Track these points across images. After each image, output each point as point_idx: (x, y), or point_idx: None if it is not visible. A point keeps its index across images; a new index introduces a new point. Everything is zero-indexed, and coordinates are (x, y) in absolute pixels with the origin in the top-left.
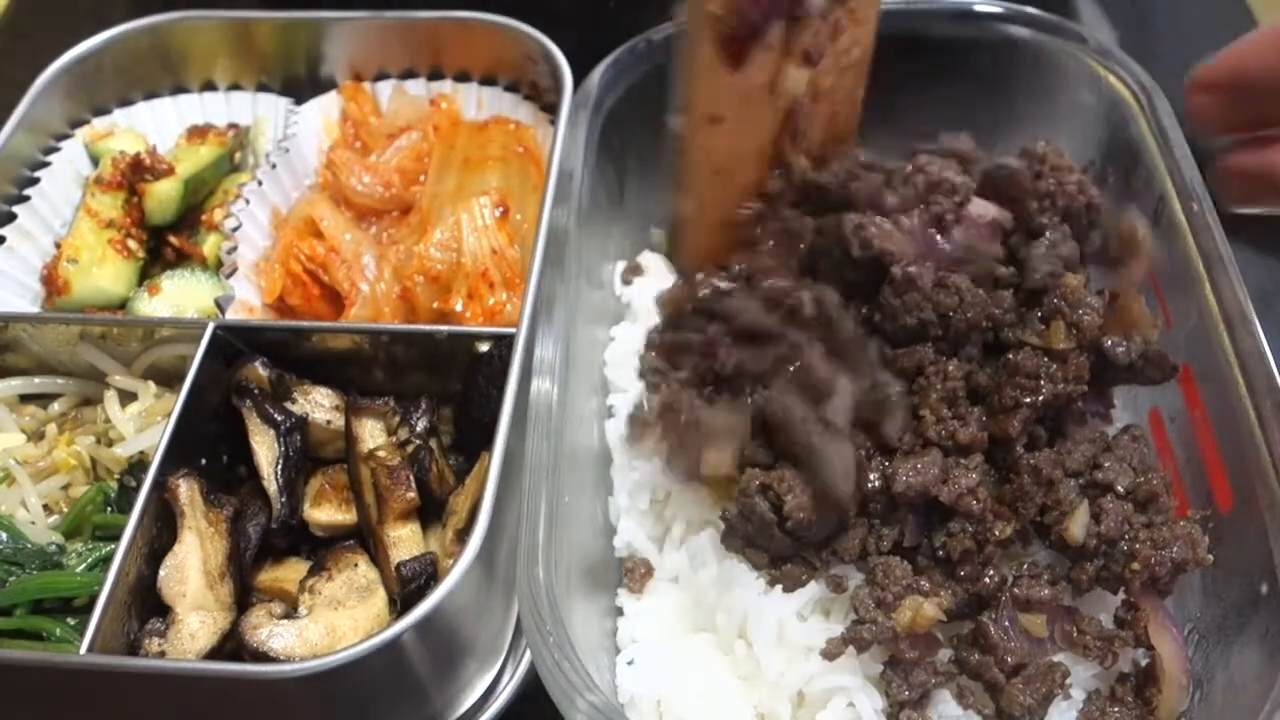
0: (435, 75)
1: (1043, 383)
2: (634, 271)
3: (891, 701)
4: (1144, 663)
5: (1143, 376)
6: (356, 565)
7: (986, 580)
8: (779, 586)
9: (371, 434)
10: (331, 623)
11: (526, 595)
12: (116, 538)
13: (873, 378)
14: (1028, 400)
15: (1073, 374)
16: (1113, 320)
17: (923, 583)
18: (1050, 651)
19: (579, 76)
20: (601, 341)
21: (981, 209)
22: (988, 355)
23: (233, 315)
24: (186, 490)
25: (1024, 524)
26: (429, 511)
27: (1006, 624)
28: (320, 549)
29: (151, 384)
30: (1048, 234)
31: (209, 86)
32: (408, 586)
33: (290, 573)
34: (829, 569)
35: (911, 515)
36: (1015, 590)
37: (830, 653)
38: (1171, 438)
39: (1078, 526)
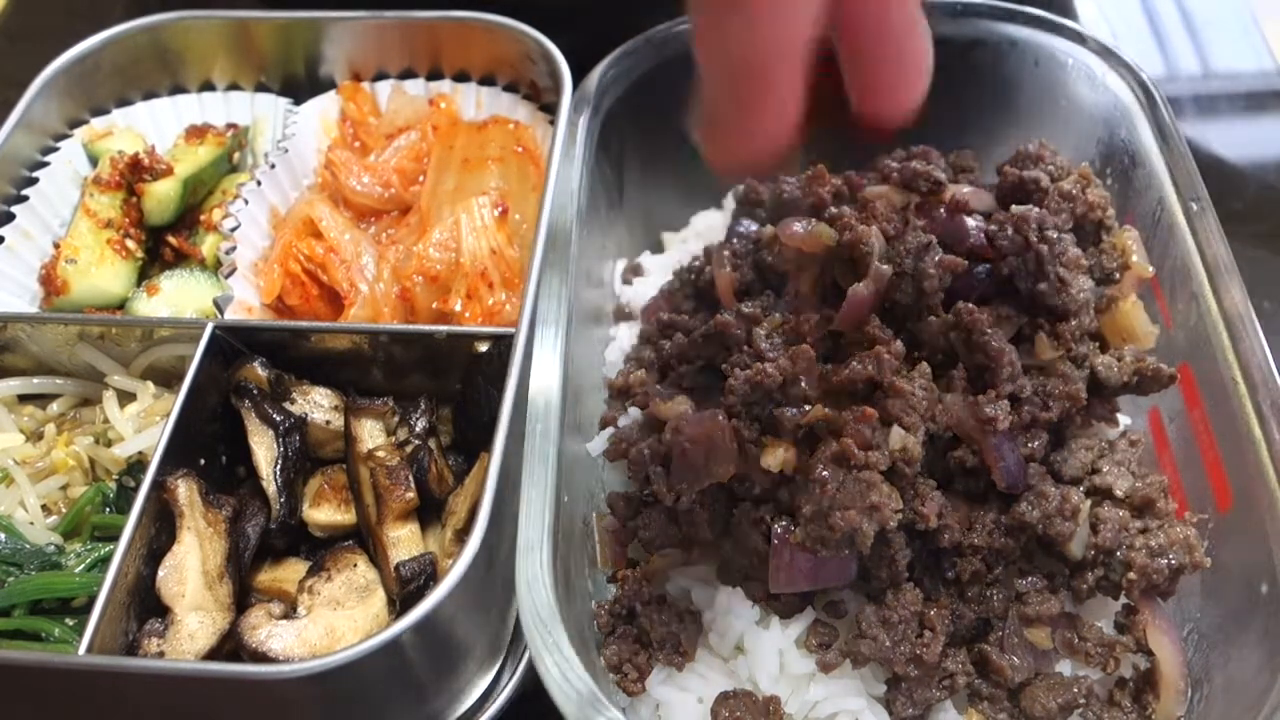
0: (434, 75)
1: (1041, 411)
2: (634, 271)
3: (896, 718)
4: (1144, 667)
5: (1138, 390)
6: (355, 565)
7: (994, 600)
8: (776, 617)
9: (370, 434)
10: (330, 623)
11: (526, 595)
12: (115, 538)
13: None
14: (1035, 444)
15: (1071, 391)
16: (1108, 325)
17: (930, 606)
18: (1054, 661)
19: (578, 76)
20: (601, 341)
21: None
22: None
23: (231, 315)
24: (185, 490)
25: (1028, 539)
26: (428, 511)
27: (1014, 639)
28: (319, 549)
29: (150, 384)
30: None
31: (207, 86)
32: (407, 587)
33: (289, 573)
34: (826, 594)
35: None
36: (1024, 609)
37: (827, 664)
38: (1171, 438)
39: (1076, 544)
